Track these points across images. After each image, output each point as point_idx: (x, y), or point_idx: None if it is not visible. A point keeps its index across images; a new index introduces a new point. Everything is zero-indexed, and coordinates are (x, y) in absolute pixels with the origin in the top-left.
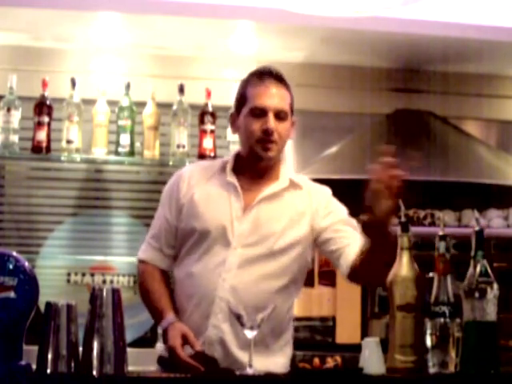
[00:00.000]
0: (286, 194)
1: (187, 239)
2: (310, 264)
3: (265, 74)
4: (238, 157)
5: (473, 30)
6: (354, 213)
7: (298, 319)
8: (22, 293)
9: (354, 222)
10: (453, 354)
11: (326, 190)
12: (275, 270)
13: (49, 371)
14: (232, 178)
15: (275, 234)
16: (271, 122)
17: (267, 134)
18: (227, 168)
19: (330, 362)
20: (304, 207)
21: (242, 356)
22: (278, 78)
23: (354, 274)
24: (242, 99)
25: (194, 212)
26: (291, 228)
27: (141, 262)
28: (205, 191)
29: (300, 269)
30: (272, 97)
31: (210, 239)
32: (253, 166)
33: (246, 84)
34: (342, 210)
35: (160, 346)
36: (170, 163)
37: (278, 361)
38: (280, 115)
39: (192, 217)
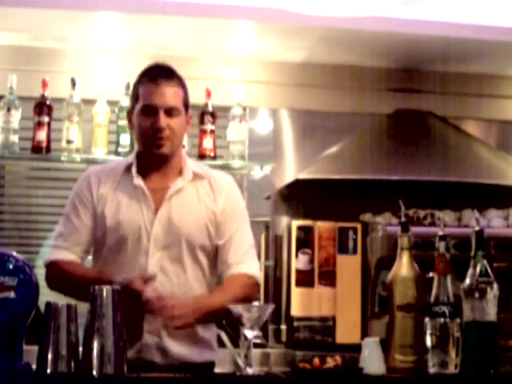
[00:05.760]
0: (191, 189)
1: (102, 247)
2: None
3: (155, 72)
4: (139, 156)
5: (473, 30)
6: (353, 212)
7: (298, 319)
8: (21, 293)
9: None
10: (453, 354)
11: (227, 179)
12: (197, 266)
13: (49, 371)
14: (138, 181)
15: (189, 231)
16: (161, 120)
17: (158, 132)
18: (132, 170)
19: (330, 362)
20: (208, 199)
21: (179, 351)
22: (169, 75)
23: None
24: (135, 97)
25: (107, 223)
26: (203, 223)
27: (56, 262)
28: (115, 200)
29: (211, 257)
30: (162, 95)
31: (129, 247)
32: (154, 164)
33: (138, 83)
34: (236, 211)
35: None
36: None
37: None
38: (171, 112)
39: (106, 228)
